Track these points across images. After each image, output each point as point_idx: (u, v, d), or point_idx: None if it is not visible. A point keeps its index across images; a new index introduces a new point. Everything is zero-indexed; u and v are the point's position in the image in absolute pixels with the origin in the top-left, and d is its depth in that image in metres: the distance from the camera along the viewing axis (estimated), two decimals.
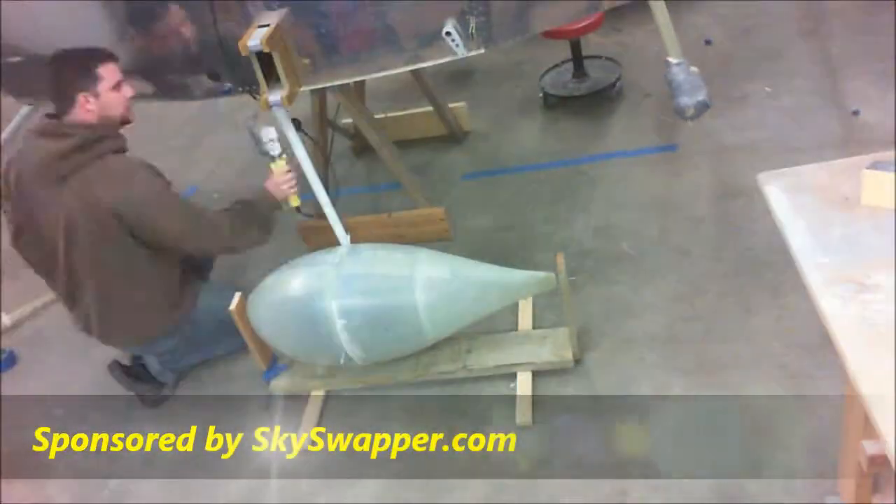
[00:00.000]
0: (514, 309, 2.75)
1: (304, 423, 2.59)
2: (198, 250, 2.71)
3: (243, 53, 2.30)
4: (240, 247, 2.68)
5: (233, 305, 2.52)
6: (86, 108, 2.42)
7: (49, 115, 2.49)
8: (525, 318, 2.73)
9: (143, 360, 2.83)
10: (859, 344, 1.24)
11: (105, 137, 2.45)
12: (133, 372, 2.83)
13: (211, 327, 2.74)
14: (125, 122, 2.55)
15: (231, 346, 2.82)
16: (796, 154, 3.10)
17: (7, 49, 2.74)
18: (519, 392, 2.48)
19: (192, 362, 2.88)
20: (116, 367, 2.82)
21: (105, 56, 2.46)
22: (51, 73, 2.43)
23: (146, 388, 2.82)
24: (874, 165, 1.47)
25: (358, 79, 2.69)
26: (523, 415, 2.41)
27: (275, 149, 2.61)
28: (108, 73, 2.45)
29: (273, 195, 2.67)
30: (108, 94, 2.45)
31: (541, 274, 2.42)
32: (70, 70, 2.42)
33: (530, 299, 2.77)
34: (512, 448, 2.36)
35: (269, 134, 2.57)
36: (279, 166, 2.64)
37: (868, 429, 1.52)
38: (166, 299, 2.66)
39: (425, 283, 2.36)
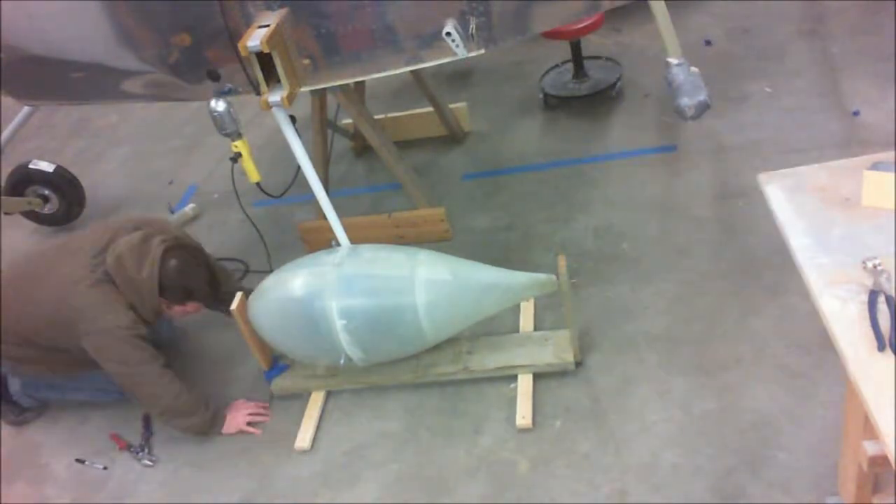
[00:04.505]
0: (515, 310, 2.75)
1: (304, 423, 2.59)
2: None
3: (243, 54, 2.30)
4: (160, 419, 2.62)
5: (234, 305, 2.53)
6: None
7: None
8: (526, 320, 2.73)
9: (5, 381, 2.81)
10: (859, 344, 1.24)
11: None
12: None
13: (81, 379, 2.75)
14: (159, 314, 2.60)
15: (92, 397, 2.81)
16: (796, 154, 3.10)
17: (7, 49, 2.73)
18: (519, 393, 2.48)
19: (49, 396, 2.85)
20: None
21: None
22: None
23: (6, 407, 2.84)
24: (875, 166, 1.47)
25: (358, 79, 2.69)
26: (523, 416, 2.41)
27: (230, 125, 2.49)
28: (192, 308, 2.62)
29: (226, 424, 2.62)
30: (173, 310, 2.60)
31: (542, 276, 2.41)
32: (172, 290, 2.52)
33: (532, 300, 2.77)
34: (512, 448, 2.36)
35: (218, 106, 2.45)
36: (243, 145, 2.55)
37: (868, 429, 1.52)
38: None
39: (426, 284, 2.36)
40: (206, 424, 2.59)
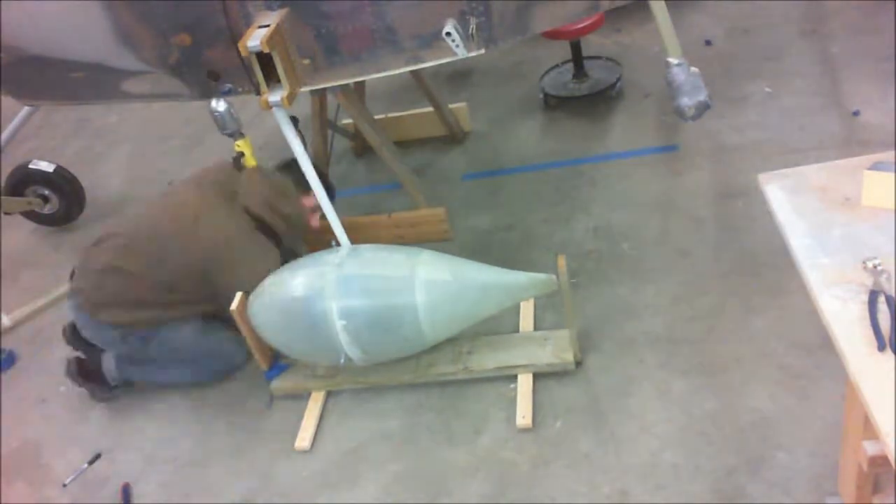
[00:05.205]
0: (515, 310, 2.75)
1: (304, 423, 2.59)
2: None
3: (243, 54, 2.30)
4: None
5: (234, 305, 2.53)
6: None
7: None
8: (526, 320, 2.73)
9: (100, 359, 2.86)
10: (859, 344, 1.24)
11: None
12: (85, 370, 2.86)
13: (163, 353, 2.77)
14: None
15: (179, 378, 2.85)
16: (796, 154, 3.10)
17: (7, 49, 2.73)
18: (519, 393, 2.48)
19: (134, 377, 2.87)
20: (73, 364, 2.85)
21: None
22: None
23: (95, 386, 2.86)
24: (875, 166, 1.47)
25: (358, 79, 2.69)
26: (523, 416, 2.41)
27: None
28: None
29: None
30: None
31: (542, 276, 2.41)
32: None
33: (532, 300, 2.77)
34: (512, 448, 2.36)
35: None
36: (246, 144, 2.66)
37: (868, 429, 1.52)
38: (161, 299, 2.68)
39: (426, 284, 2.36)
40: None
